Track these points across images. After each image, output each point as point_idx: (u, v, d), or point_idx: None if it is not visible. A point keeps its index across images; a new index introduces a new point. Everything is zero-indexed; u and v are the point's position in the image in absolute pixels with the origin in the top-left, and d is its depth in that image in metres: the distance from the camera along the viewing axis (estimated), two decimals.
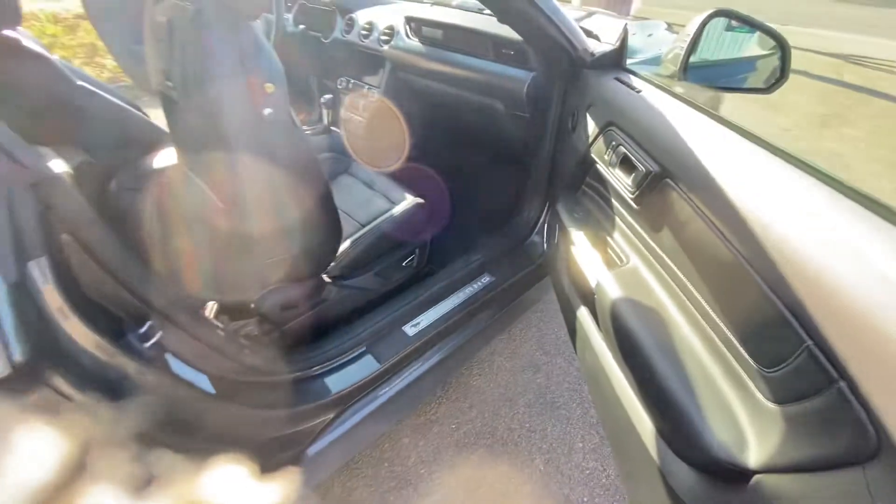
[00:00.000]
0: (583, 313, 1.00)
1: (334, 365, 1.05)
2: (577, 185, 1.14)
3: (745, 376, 0.58)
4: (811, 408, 0.47)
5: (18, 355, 0.46)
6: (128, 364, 0.59)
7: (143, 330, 0.66)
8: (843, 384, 0.43)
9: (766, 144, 0.63)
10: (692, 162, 0.65)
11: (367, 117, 1.65)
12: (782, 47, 0.84)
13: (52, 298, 0.51)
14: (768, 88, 0.88)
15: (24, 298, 0.48)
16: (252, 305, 1.00)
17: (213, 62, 0.75)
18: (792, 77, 0.87)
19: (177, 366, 0.70)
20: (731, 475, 0.54)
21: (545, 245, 1.39)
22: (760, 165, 0.61)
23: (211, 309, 1.01)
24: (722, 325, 0.62)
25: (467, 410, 1.35)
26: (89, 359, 0.54)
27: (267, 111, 0.81)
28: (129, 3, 1.87)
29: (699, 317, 0.67)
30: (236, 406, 0.79)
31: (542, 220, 1.42)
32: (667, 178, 0.72)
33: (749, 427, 0.55)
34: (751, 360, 0.56)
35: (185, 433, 0.69)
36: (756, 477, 0.51)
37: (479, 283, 1.33)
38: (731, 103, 2.27)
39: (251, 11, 0.80)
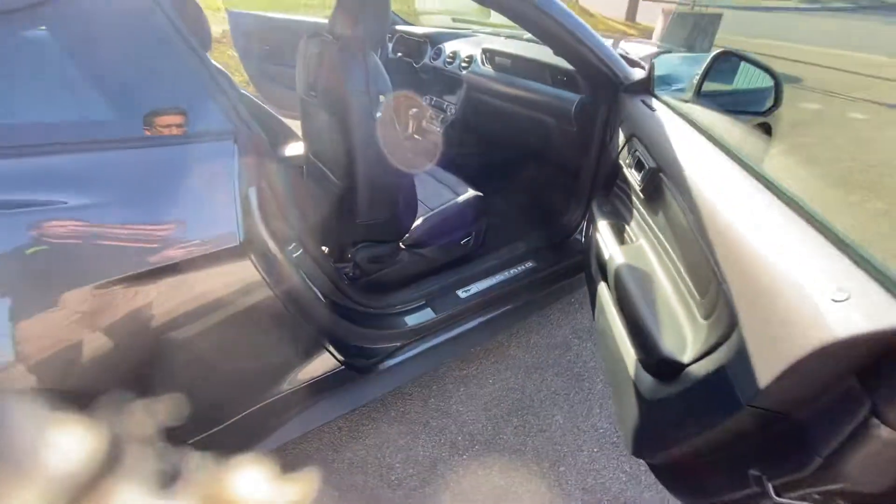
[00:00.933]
0: (602, 287, 1.25)
1: (402, 309, 1.37)
2: (609, 187, 1.39)
3: (692, 304, 0.81)
4: (717, 316, 0.70)
5: (242, 235, 0.82)
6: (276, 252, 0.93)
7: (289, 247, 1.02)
8: (731, 301, 0.66)
9: (730, 153, 0.86)
10: (672, 159, 0.90)
11: (442, 127, 2.02)
12: (776, 81, 1.06)
13: (254, 212, 0.87)
14: (764, 113, 1.09)
15: (247, 206, 0.84)
16: (349, 255, 1.36)
17: (349, 78, 1.13)
18: None
19: (308, 278, 1.06)
20: (674, 370, 0.77)
21: (583, 241, 1.63)
22: (720, 166, 0.84)
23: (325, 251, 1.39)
24: (685, 273, 0.86)
25: (502, 371, 1.61)
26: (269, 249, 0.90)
27: (378, 114, 1.17)
28: (265, 33, 2.41)
29: (672, 270, 0.91)
30: (336, 315, 1.13)
31: (584, 220, 1.67)
32: (660, 172, 0.97)
33: (689, 336, 0.78)
34: (696, 293, 0.80)
35: (309, 318, 1.03)
36: (687, 367, 0.75)
37: (523, 267, 1.60)
38: None
39: (374, 44, 1.17)
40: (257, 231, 0.87)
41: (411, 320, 1.36)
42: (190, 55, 0.80)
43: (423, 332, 1.37)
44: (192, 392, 0.88)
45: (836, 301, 0.47)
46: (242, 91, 1.73)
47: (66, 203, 0.70)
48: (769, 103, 1.09)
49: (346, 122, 1.20)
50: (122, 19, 0.75)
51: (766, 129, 1.96)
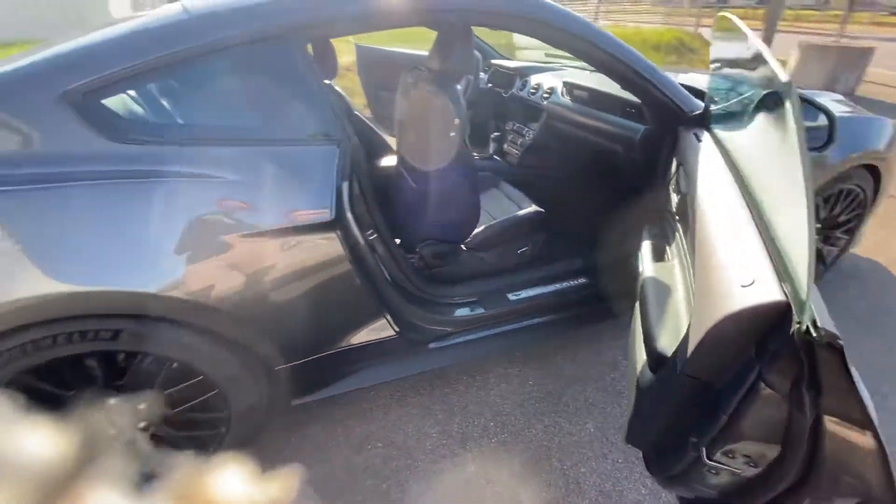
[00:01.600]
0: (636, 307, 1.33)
1: (455, 301, 1.58)
2: (661, 210, 1.47)
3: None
4: None
5: (333, 213, 1.10)
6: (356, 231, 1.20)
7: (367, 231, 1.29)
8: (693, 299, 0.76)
9: (738, 182, 0.94)
10: (693, 185, 0.99)
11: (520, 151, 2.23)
12: (830, 120, 1.09)
13: (344, 199, 1.16)
14: (820, 148, 1.12)
15: (340, 194, 1.13)
16: (417, 249, 1.62)
17: (435, 104, 1.40)
18: None
19: (378, 257, 1.32)
20: (662, 363, 0.87)
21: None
22: (724, 192, 0.92)
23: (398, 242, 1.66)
24: (690, 272, 0.94)
25: (544, 377, 1.72)
26: (351, 227, 1.18)
27: (451, 134, 1.42)
28: (382, 64, 2.84)
29: (688, 284, 1.00)
30: (396, 293, 1.38)
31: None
32: (686, 197, 1.06)
33: (682, 333, 0.87)
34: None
35: (373, 288, 1.29)
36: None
37: (576, 282, 1.72)
38: None
39: (458, 77, 1.44)
40: (344, 213, 1.15)
41: (461, 312, 1.56)
42: (313, 83, 1.12)
43: (471, 324, 1.56)
44: (289, 325, 1.18)
45: (743, 286, 0.58)
46: (356, 111, 2.12)
47: (224, 178, 1.04)
48: (825, 139, 1.13)
49: (426, 140, 1.47)
50: (271, 60, 1.09)
51: (873, 171, 1.85)
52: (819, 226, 1.99)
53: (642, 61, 1.40)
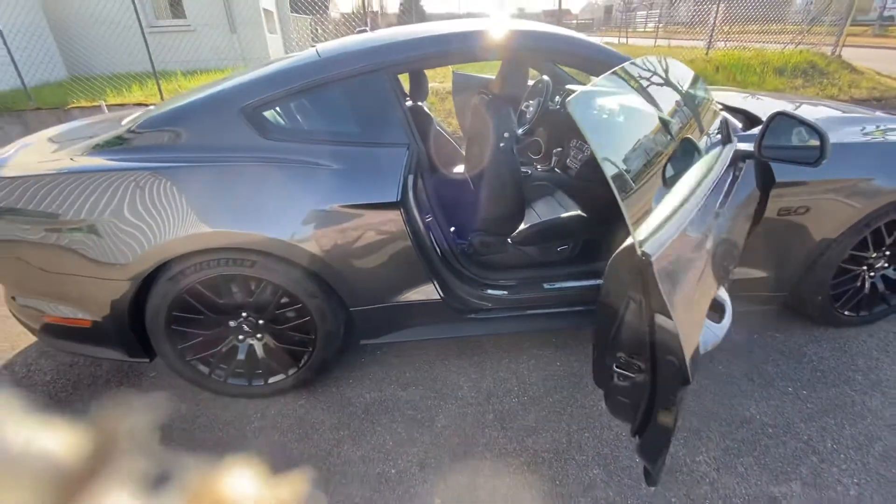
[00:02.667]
0: None
1: (496, 283, 1.89)
2: None
3: None
4: None
5: (398, 196, 1.52)
6: (415, 212, 1.60)
7: (426, 214, 1.69)
8: None
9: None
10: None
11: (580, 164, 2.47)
12: (822, 138, 1.22)
13: (409, 187, 1.57)
14: (814, 163, 1.25)
15: (405, 184, 1.55)
16: (469, 237, 1.98)
17: (486, 121, 1.77)
18: None
19: (432, 236, 1.71)
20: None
21: None
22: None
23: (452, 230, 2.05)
24: None
25: (571, 361, 1.94)
26: (411, 208, 1.59)
27: (501, 144, 1.77)
28: (468, 88, 3.28)
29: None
30: (444, 267, 1.74)
31: None
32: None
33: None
34: None
35: (425, 260, 1.67)
36: None
37: None
38: None
39: (511, 101, 1.80)
40: (407, 197, 1.56)
41: (499, 293, 1.87)
42: (396, 104, 1.56)
43: (506, 304, 1.86)
44: (361, 276, 1.61)
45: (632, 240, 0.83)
46: (438, 126, 2.57)
47: (330, 166, 1.52)
48: (818, 155, 1.26)
49: (482, 149, 1.84)
50: (368, 88, 1.56)
51: None
52: (883, 254, 1.92)
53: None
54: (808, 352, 1.94)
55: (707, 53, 8.05)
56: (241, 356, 1.73)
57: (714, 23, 8.24)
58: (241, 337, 1.71)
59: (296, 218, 1.50)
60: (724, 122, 1.58)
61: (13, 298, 1.71)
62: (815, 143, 1.28)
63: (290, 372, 1.76)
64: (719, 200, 1.26)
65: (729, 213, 1.41)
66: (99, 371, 1.99)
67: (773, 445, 1.53)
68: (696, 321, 0.92)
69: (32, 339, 2.16)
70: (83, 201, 1.45)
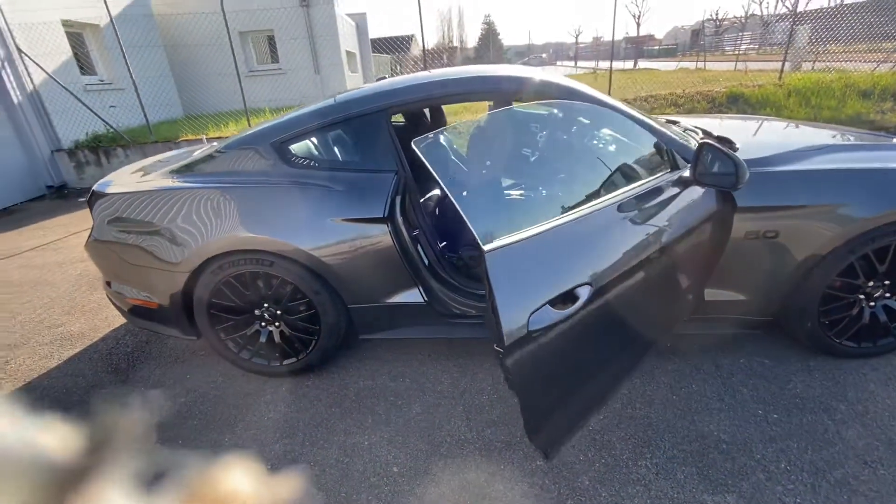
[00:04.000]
0: None
1: (479, 293, 2.12)
2: None
3: None
4: None
5: (385, 213, 1.84)
6: (402, 227, 1.91)
7: (413, 229, 1.98)
8: None
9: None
10: None
11: None
12: (735, 165, 1.34)
13: (396, 205, 1.88)
14: (731, 188, 1.37)
15: (393, 203, 1.87)
16: (459, 251, 2.23)
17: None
18: None
19: (419, 248, 2.00)
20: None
21: None
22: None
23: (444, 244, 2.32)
24: None
25: None
26: (398, 224, 1.89)
27: (483, 171, 2.04)
28: None
29: None
30: (430, 275, 2.01)
31: None
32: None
33: None
34: None
35: (410, 268, 1.96)
36: None
37: None
38: None
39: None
40: (394, 214, 1.87)
41: (482, 302, 2.09)
42: (388, 138, 1.90)
43: (486, 311, 2.07)
44: (356, 278, 1.94)
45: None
46: (454, 156, 2.87)
47: (334, 188, 1.88)
48: (734, 181, 1.38)
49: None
50: (369, 125, 1.92)
51: None
52: (882, 283, 1.86)
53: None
54: (795, 379, 1.91)
55: (780, 77, 7.61)
56: (262, 339, 2.12)
57: (788, 43, 7.79)
58: (263, 324, 2.11)
59: (304, 227, 1.87)
60: (670, 153, 1.71)
61: (108, 284, 2.27)
62: (732, 170, 1.40)
63: (300, 356, 2.12)
64: (633, 216, 1.41)
65: (674, 232, 1.54)
66: (164, 348, 2.50)
67: (721, 460, 1.57)
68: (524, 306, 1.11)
69: (122, 321, 2.76)
70: (154, 212, 1.95)
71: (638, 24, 31.55)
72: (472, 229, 1.05)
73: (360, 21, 19.25)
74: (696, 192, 1.66)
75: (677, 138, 1.83)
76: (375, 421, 1.87)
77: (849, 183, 1.72)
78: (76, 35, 7.90)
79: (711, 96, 7.18)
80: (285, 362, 2.13)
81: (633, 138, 1.81)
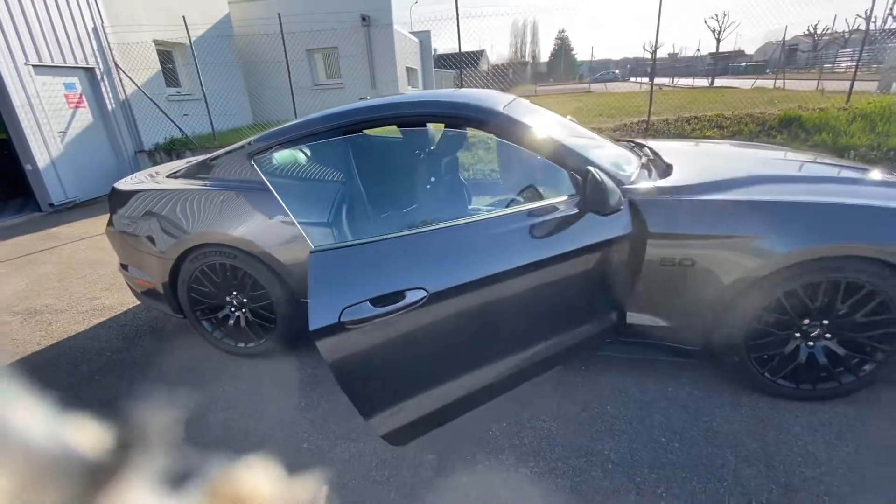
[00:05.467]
0: None
1: None
2: None
3: None
4: None
5: (326, 219, 2.07)
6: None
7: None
8: None
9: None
10: None
11: None
12: (582, 189, 1.41)
13: (338, 214, 2.11)
14: (602, 214, 1.43)
15: (336, 209, 2.10)
16: None
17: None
18: None
19: None
20: None
21: None
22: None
23: None
24: None
25: None
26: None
27: (427, 187, 2.21)
28: None
29: None
30: None
31: None
32: None
33: None
34: None
35: None
36: None
37: None
38: None
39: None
40: (339, 219, 2.10)
41: None
42: (339, 153, 2.14)
43: None
44: (300, 274, 2.19)
45: None
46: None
47: (289, 193, 2.15)
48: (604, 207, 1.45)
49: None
50: (322, 143, 2.17)
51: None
52: (820, 322, 1.78)
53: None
54: (718, 413, 1.86)
55: (848, 101, 6.97)
56: (231, 322, 2.43)
57: (856, 64, 7.12)
58: (232, 308, 2.41)
59: (259, 226, 2.15)
60: (571, 176, 1.77)
61: (123, 266, 2.71)
62: (604, 196, 1.47)
63: (261, 341, 2.39)
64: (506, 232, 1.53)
65: (561, 250, 1.61)
66: (168, 324, 2.91)
67: (599, 477, 1.60)
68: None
69: (138, 303, 3.24)
70: (150, 207, 2.33)
71: (718, 40, 29.68)
72: (303, 233, 1.24)
73: (423, 38, 20.05)
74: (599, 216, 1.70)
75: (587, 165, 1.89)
76: (308, 405, 2.09)
77: (768, 215, 1.68)
78: (166, 52, 9.11)
79: (762, 119, 6.74)
80: (249, 345, 2.42)
81: (539, 166, 1.90)
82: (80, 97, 6.98)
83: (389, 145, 2.19)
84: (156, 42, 8.51)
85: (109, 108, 7.41)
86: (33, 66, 6.13)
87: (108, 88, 7.38)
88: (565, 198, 1.70)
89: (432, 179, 2.17)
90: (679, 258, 1.76)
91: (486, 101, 2.03)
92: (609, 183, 1.48)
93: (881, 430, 1.72)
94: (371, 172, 2.09)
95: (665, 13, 7.07)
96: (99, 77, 7.20)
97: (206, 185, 2.30)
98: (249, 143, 2.33)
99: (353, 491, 1.62)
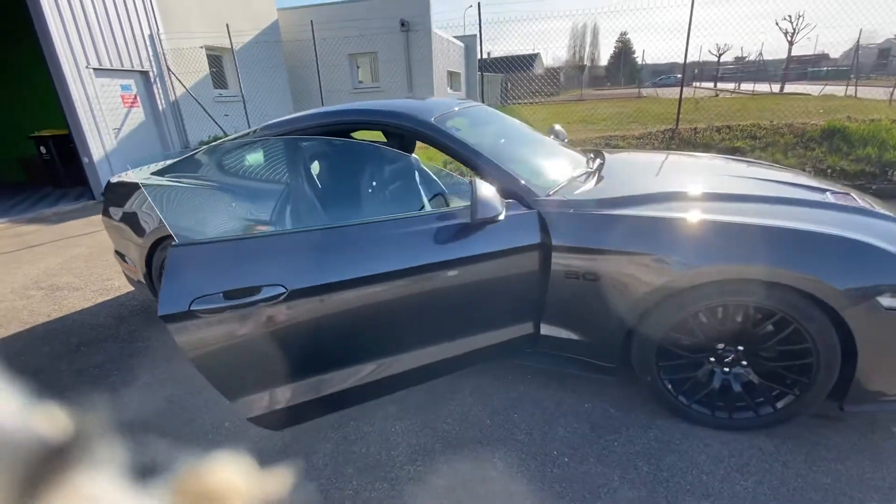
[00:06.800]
0: None
1: None
2: None
3: None
4: None
5: (268, 217, 2.22)
6: None
7: None
8: None
9: None
10: None
11: None
12: (472, 195, 1.43)
13: (281, 213, 2.26)
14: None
15: (280, 209, 2.25)
16: None
17: None
18: None
19: None
20: None
21: None
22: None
23: None
24: None
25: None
26: None
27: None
28: None
29: None
30: None
31: None
32: None
33: None
34: None
35: None
36: None
37: None
38: None
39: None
40: (281, 218, 2.24)
41: None
42: (288, 157, 2.29)
43: None
44: None
45: None
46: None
47: (244, 191, 2.33)
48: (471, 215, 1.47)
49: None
50: (272, 145, 2.32)
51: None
52: (734, 348, 1.69)
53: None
54: (625, 433, 1.81)
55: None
56: None
57: None
58: None
59: (214, 220, 2.34)
60: (472, 183, 1.78)
61: (118, 254, 3.02)
62: (470, 206, 1.51)
63: None
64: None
65: (442, 258, 1.63)
66: (155, 307, 3.21)
67: (473, 482, 1.62)
68: None
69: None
70: (130, 200, 2.60)
71: (790, 43, 27.42)
72: (167, 226, 1.37)
73: (469, 43, 20.21)
74: (495, 225, 1.69)
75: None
76: None
77: (669, 233, 1.63)
78: (216, 57, 9.85)
79: (802, 130, 6.25)
80: None
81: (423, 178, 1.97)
82: (135, 98, 7.72)
83: (332, 151, 2.31)
84: (206, 48, 9.23)
85: (160, 107, 8.14)
86: (94, 69, 6.87)
87: (160, 90, 8.10)
88: (463, 206, 1.73)
89: (352, 184, 2.27)
90: (583, 272, 1.74)
91: (421, 111, 2.09)
92: (484, 194, 1.51)
93: (792, 468, 1.61)
94: (308, 176, 2.22)
95: (738, 12, 6.84)
96: (152, 80, 7.93)
97: (172, 182, 2.54)
98: (210, 147, 2.54)
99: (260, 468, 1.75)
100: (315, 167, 2.27)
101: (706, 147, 6.23)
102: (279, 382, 1.55)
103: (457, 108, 2.30)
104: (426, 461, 1.73)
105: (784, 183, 2.07)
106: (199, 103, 8.54)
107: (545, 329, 1.91)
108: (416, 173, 1.98)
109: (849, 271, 1.48)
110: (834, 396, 1.65)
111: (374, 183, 2.37)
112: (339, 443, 1.85)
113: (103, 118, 7.04)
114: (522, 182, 1.85)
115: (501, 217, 1.58)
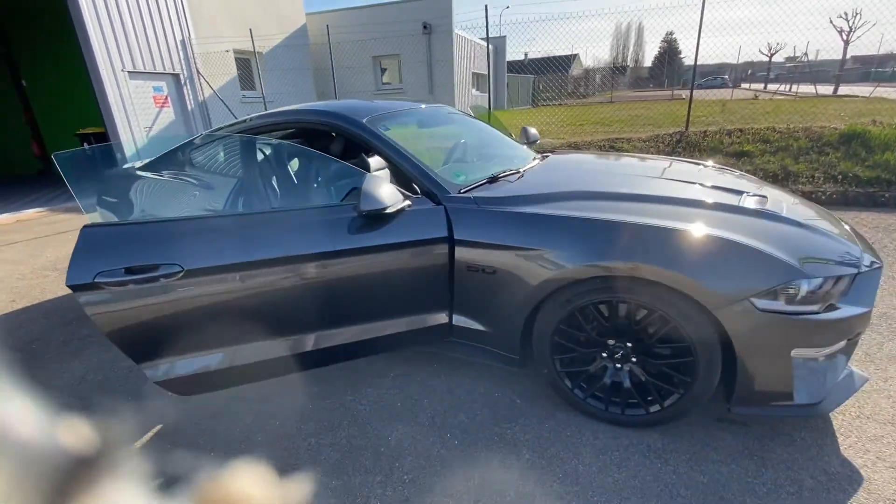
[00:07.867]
0: None
1: None
2: None
3: None
4: None
5: (222, 206, 2.43)
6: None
7: None
8: None
9: None
10: None
11: None
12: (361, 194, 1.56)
13: (234, 204, 2.46)
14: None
15: (233, 199, 2.46)
16: None
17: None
18: None
19: None
20: None
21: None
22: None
23: None
24: None
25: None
26: None
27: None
28: None
29: None
30: None
31: None
32: None
33: None
34: None
35: None
36: None
37: None
38: None
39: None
40: (235, 207, 2.45)
41: None
42: (242, 153, 2.50)
43: None
44: None
45: None
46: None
47: (203, 183, 2.56)
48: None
49: None
50: (232, 142, 2.53)
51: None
52: (624, 344, 1.73)
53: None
54: (520, 422, 1.88)
55: None
56: None
57: None
58: None
59: (182, 209, 2.58)
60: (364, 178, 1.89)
61: None
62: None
63: None
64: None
65: (373, 252, 1.77)
66: None
67: (356, 456, 1.74)
68: None
69: None
70: (118, 190, 2.89)
71: (846, 42, 25.62)
72: (80, 204, 1.57)
73: (498, 44, 20.20)
74: (403, 218, 1.82)
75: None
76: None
77: (557, 230, 1.69)
78: (244, 60, 10.40)
79: (819, 134, 5.94)
80: None
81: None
82: (166, 98, 8.31)
83: (276, 148, 2.49)
84: (235, 51, 9.77)
85: (189, 107, 8.70)
86: (128, 72, 7.46)
87: (190, 91, 8.67)
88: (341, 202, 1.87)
89: (267, 179, 2.45)
90: (482, 265, 1.82)
91: (356, 112, 2.24)
92: (368, 188, 1.63)
93: (672, 466, 1.63)
94: (253, 172, 2.41)
95: (793, 8, 6.75)
96: (182, 82, 8.50)
97: (152, 175, 2.80)
98: (180, 147, 2.79)
99: (184, 433, 1.95)
100: (241, 164, 2.46)
101: (713, 151, 6.04)
102: (184, 352, 1.73)
103: (399, 109, 2.43)
104: (328, 436, 1.87)
105: (700, 185, 2.06)
106: (225, 104, 9.06)
107: (457, 319, 2.00)
108: (338, 172, 2.12)
109: (724, 273, 1.51)
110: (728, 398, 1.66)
111: (293, 180, 2.54)
112: (257, 414, 2.02)
113: (136, 117, 7.63)
114: (435, 179, 1.96)
115: (389, 210, 1.69)
